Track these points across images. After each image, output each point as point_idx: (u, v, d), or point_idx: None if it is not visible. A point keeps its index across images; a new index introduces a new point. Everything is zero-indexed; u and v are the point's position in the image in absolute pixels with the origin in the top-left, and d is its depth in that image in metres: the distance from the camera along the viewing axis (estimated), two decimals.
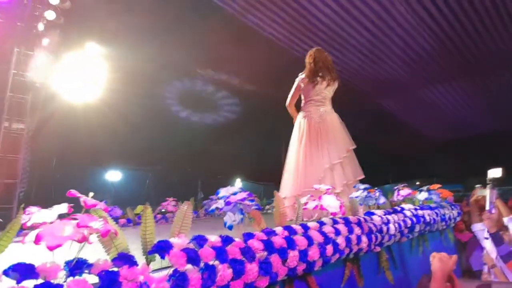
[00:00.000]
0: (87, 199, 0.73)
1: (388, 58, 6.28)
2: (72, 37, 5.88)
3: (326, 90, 3.02)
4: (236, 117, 9.67)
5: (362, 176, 2.87)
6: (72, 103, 6.14)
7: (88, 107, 6.51)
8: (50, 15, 5.21)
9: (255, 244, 0.97)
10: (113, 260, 0.73)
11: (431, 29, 5.33)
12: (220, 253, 0.86)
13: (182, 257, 0.78)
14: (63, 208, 0.70)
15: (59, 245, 0.60)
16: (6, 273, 0.59)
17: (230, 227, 1.10)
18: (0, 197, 4.69)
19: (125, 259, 0.72)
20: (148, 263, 0.80)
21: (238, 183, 15.22)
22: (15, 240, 0.77)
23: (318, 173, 2.73)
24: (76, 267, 0.65)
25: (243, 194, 1.02)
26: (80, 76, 6.05)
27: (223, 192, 1.07)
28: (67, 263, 0.65)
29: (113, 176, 10.27)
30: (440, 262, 1.22)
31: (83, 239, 0.64)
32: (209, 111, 9.39)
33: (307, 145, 2.89)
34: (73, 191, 0.71)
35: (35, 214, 0.69)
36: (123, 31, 6.27)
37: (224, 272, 0.84)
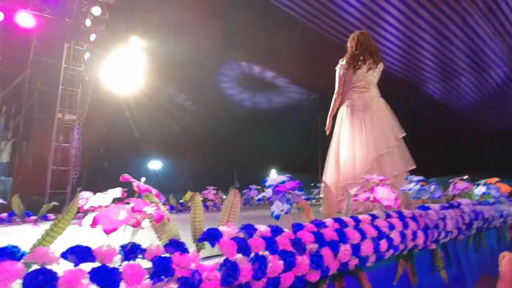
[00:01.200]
0: (140, 184, 0.72)
1: (433, 38, 5.79)
2: (116, 31, 6.12)
3: (369, 74, 2.83)
4: (272, 108, 9.60)
5: (413, 167, 2.68)
6: (116, 95, 6.45)
7: (130, 99, 6.81)
8: (96, 10, 5.41)
9: (305, 235, 0.92)
10: (165, 246, 0.71)
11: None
12: (270, 243, 0.82)
13: (233, 246, 0.75)
14: (117, 192, 0.70)
15: (114, 229, 0.59)
16: (64, 255, 0.59)
17: (277, 217, 1.06)
18: (56, 182, 5.10)
19: (176, 245, 0.71)
20: (198, 250, 0.78)
21: (273, 173, 15.21)
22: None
23: (365, 164, 2.59)
24: (131, 251, 0.64)
25: (292, 183, 0.97)
26: (123, 69, 6.31)
27: (270, 181, 1.03)
28: (122, 247, 0.65)
29: (154, 165, 10.75)
30: (510, 263, 1.09)
31: (137, 224, 0.62)
32: (245, 102, 9.40)
33: (351, 135, 2.76)
34: (126, 176, 0.70)
35: (92, 198, 0.70)
36: (163, 24, 6.41)
37: (275, 263, 0.80)
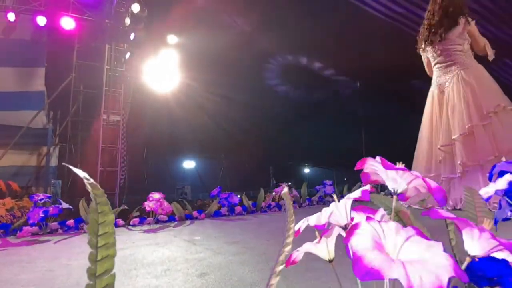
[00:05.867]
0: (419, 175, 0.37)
1: None
2: (154, 29, 6.00)
3: (450, 44, 2.36)
4: (310, 101, 9.20)
5: None
6: (156, 94, 6.35)
7: (169, 98, 6.69)
8: (135, 8, 5.33)
9: None
10: None
11: None
12: None
13: None
14: (357, 193, 0.36)
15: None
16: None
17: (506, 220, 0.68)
18: (105, 184, 5.04)
19: None
20: None
21: (306, 170, 14.87)
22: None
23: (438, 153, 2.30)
24: None
25: None
26: (162, 67, 6.20)
27: (502, 166, 0.65)
28: None
29: (192, 164, 10.73)
30: None
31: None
32: (283, 98, 9.07)
33: (435, 121, 2.43)
34: (373, 159, 0.35)
35: (334, 206, 0.36)
36: (201, 20, 6.20)
37: None
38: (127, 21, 5.29)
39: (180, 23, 6.23)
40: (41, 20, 4.60)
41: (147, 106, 6.59)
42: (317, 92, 9.02)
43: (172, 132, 7.74)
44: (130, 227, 2.15)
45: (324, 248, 0.38)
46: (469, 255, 0.31)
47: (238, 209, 2.45)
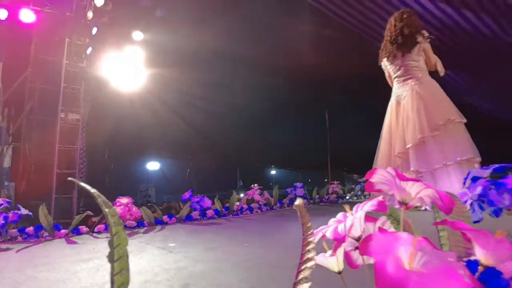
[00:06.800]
0: None
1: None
2: (119, 24, 5.74)
3: (407, 61, 2.57)
4: (276, 106, 9.31)
5: (473, 157, 2.32)
6: (120, 92, 6.08)
7: (134, 96, 6.45)
8: (99, 1, 5.09)
9: None
10: None
11: None
12: None
13: None
14: (373, 204, 0.37)
15: None
16: None
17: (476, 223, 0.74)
18: (61, 187, 4.73)
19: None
20: None
21: (272, 171, 15.05)
22: None
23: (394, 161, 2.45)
24: None
25: None
26: (126, 65, 5.95)
27: (475, 173, 0.70)
28: None
29: (157, 165, 10.40)
30: None
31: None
32: (250, 100, 9.09)
33: (393, 130, 2.60)
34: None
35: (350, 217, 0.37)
36: (169, 16, 6.04)
37: None
38: (90, 14, 5.03)
39: (146, 19, 6.02)
40: (2, 13, 4.35)
41: (110, 105, 6.28)
42: (285, 95, 9.15)
43: (136, 132, 7.45)
44: (95, 234, 2.03)
45: (334, 260, 0.39)
46: (482, 265, 0.34)
47: (210, 213, 2.42)
